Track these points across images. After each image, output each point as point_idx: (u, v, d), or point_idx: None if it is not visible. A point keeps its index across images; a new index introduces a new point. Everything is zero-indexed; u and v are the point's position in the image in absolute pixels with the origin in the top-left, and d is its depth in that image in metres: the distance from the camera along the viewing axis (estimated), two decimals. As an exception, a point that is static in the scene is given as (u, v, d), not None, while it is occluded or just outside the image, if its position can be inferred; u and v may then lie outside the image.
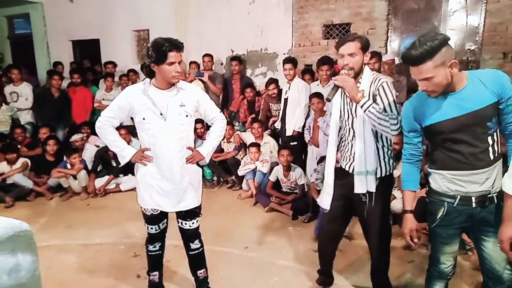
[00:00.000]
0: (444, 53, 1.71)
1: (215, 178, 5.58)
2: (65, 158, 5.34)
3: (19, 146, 5.57)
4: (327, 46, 5.95)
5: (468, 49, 5.09)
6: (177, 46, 2.26)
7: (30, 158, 5.44)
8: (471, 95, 1.80)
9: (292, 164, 4.57)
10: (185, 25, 6.97)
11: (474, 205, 1.88)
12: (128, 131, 5.34)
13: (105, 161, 5.52)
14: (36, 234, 0.98)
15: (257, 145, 5.10)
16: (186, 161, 2.47)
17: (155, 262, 2.73)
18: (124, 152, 2.51)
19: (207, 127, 4.58)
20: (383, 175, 2.37)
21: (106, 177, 5.36)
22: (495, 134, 1.85)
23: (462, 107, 1.81)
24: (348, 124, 2.41)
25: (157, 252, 2.69)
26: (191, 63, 6.37)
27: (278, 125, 5.29)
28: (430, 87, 1.78)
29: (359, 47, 2.26)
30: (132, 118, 2.54)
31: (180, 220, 2.59)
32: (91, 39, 7.93)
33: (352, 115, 2.38)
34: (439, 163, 1.94)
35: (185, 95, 2.42)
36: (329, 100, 2.34)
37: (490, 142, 1.83)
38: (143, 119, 2.38)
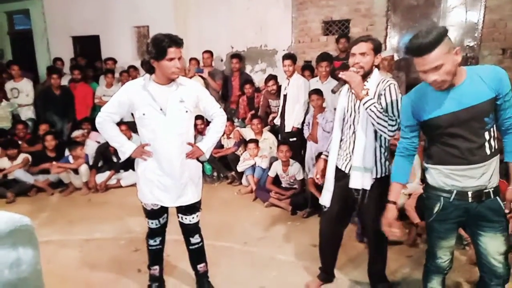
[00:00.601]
0: (448, 40, 1.74)
1: (215, 173, 5.60)
2: (67, 153, 5.36)
3: (20, 142, 5.59)
4: (326, 42, 5.95)
5: (467, 45, 5.09)
6: (177, 42, 2.27)
7: (31, 154, 5.46)
8: (470, 90, 1.81)
9: (290, 160, 4.59)
10: (185, 22, 6.96)
11: (470, 200, 1.89)
12: (129, 127, 5.34)
13: (106, 157, 5.54)
14: (37, 229, 0.99)
15: (255, 141, 5.12)
16: (186, 157, 2.49)
17: (156, 257, 2.75)
18: (124, 147, 2.52)
19: (207, 123, 4.60)
20: (378, 176, 2.39)
21: (107, 173, 5.38)
22: (492, 129, 1.86)
23: (460, 102, 1.82)
24: (350, 121, 2.44)
25: (158, 247, 2.71)
26: (191, 59, 6.36)
27: (277, 121, 5.30)
28: (440, 77, 1.76)
29: (371, 48, 2.29)
30: (132, 114, 2.55)
31: (180, 215, 2.61)
32: (91, 35, 7.91)
33: (355, 112, 2.40)
34: (436, 158, 1.96)
35: (184, 91, 2.43)
36: (334, 92, 2.37)
37: (487, 137, 1.84)
38: (143, 114, 2.39)
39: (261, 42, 6.52)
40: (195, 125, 4.95)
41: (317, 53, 5.18)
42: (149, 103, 2.37)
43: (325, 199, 2.57)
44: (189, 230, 2.66)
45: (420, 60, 1.76)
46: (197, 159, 2.58)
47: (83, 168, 5.21)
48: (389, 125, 2.22)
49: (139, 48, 7.74)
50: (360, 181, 2.38)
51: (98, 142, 5.70)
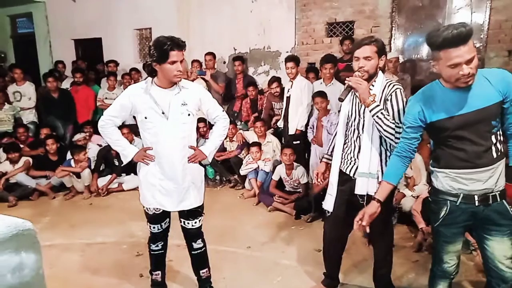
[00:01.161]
0: None
1: (217, 177, 5.56)
2: (69, 156, 5.35)
3: (21, 146, 5.58)
4: (330, 44, 5.93)
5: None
6: (179, 44, 2.25)
7: (33, 157, 5.45)
8: (478, 93, 1.79)
9: (294, 163, 4.56)
10: (187, 24, 6.95)
11: (477, 203, 1.87)
12: (130, 130, 5.33)
13: (108, 161, 5.52)
14: (39, 233, 0.97)
15: (258, 145, 5.09)
16: (188, 160, 2.46)
17: (158, 262, 2.72)
18: (126, 151, 2.51)
19: (210, 126, 4.58)
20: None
21: (109, 177, 5.36)
22: (498, 133, 1.85)
23: (469, 105, 1.80)
24: (354, 125, 2.41)
25: (160, 252, 2.68)
26: (193, 61, 6.36)
27: (280, 124, 5.27)
28: (473, 69, 1.73)
29: (375, 50, 2.26)
30: (134, 117, 2.54)
31: (182, 220, 2.58)
32: (93, 38, 7.94)
33: (359, 116, 2.37)
34: (443, 161, 1.93)
35: (187, 93, 2.41)
36: (341, 100, 2.35)
37: (494, 140, 1.83)
38: (145, 118, 2.37)
39: (264, 44, 6.50)
40: (198, 128, 4.93)
41: (321, 55, 5.16)
42: (151, 107, 2.35)
43: (328, 204, 2.54)
44: (191, 235, 2.63)
45: (455, 51, 1.71)
46: (200, 162, 2.55)
47: (86, 172, 5.20)
48: (396, 132, 2.19)
49: (141, 50, 7.75)
50: (366, 186, 2.35)
51: (100, 145, 5.69)
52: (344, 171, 2.46)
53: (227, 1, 6.59)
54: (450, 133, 1.86)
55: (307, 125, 4.86)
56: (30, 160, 5.35)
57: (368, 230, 2.13)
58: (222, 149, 5.56)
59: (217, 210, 4.41)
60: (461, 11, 5.07)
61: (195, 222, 2.58)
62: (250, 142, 5.29)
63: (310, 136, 4.79)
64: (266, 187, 4.82)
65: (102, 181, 5.32)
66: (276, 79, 5.39)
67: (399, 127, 2.18)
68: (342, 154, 2.49)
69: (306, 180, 4.53)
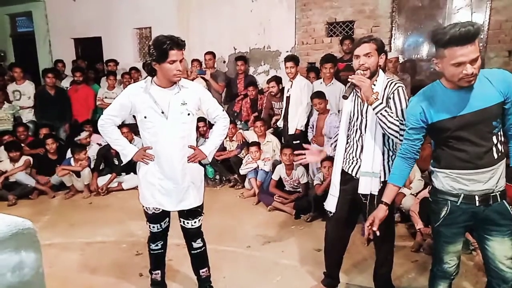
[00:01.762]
0: None
1: (217, 176, 5.56)
2: (69, 155, 5.35)
3: (22, 145, 5.57)
4: (330, 44, 5.93)
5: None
6: (179, 44, 2.25)
7: (33, 156, 5.45)
8: (479, 94, 1.79)
9: (294, 163, 4.56)
10: (187, 23, 6.95)
11: (477, 203, 1.87)
12: (130, 129, 5.33)
13: (108, 160, 5.52)
14: (38, 232, 0.97)
15: (257, 144, 5.08)
16: (188, 160, 2.46)
17: (158, 261, 2.72)
18: (126, 150, 2.51)
19: (210, 125, 4.57)
20: (386, 179, 2.35)
21: (109, 176, 5.36)
22: (499, 133, 1.85)
23: (470, 105, 1.80)
24: (356, 125, 2.40)
25: (159, 251, 2.68)
26: (193, 61, 6.35)
27: (280, 123, 5.27)
28: (476, 69, 1.72)
29: (375, 48, 2.27)
30: (134, 117, 2.53)
31: (182, 219, 2.58)
32: (93, 37, 7.93)
33: (361, 116, 2.37)
34: (443, 162, 1.93)
35: (187, 93, 2.40)
36: (346, 97, 2.36)
37: (495, 141, 1.83)
38: (145, 117, 2.36)
39: (264, 44, 6.50)
40: (197, 127, 4.92)
41: (321, 55, 5.16)
42: (151, 106, 2.34)
43: (330, 204, 2.53)
44: (191, 235, 2.62)
45: (461, 50, 1.69)
46: (200, 162, 2.55)
47: (85, 171, 5.20)
48: (400, 129, 2.18)
49: (141, 49, 7.75)
50: (369, 186, 2.35)
51: (100, 145, 5.69)
52: (346, 170, 2.46)
53: (227, 0, 6.59)
54: (450, 133, 1.85)
55: (307, 124, 4.86)
56: (31, 159, 5.35)
57: (378, 233, 2.13)
58: (222, 148, 5.56)
59: (217, 210, 4.41)
60: (461, 11, 5.07)
61: (195, 222, 2.57)
62: (250, 142, 5.29)
63: (310, 136, 4.79)
64: (266, 186, 4.82)
65: (102, 180, 5.32)
66: (274, 79, 5.39)
67: (403, 124, 2.17)
68: (344, 154, 2.48)
69: (306, 180, 4.53)
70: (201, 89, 2.62)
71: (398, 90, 2.27)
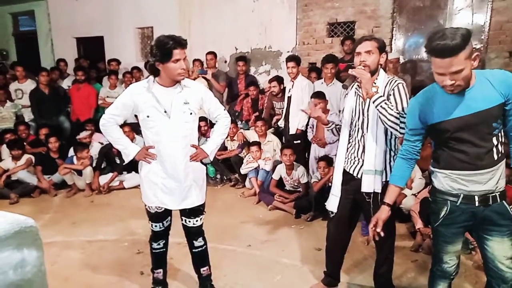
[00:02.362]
0: (470, 44, 1.70)
1: (218, 176, 5.57)
2: (71, 153, 5.37)
3: (24, 143, 5.59)
4: (331, 44, 5.93)
5: (473, 48, 5.05)
6: (181, 43, 2.26)
7: (35, 155, 5.47)
8: (479, 95, 1.78)
9: (295, 163, 4.57)
10: (189, 23, 6.96)
11: (477, 204, 1.87)
12: (132, 128, 5.34)
13: (109, 158, 5.54)
14: (40, 230, 0.98)
15: (257, 144, 5.09)
16: (190, 159, 2.47)
17: (159, 260, 2.73)
18: (128, 150, 2.51)
19: (211, 125, 4.58)
20: (388, 179, 2.36)
21: (110, 174, 5.38)
22: (499, 134, 1.84)
23: (469, 106, 1.79)
24: (358, 125, 2.41)
25: (161, 250, 2.69)
26: (194, 60, 6.36)
27: (281, 123, 5.28)
28: (458, 81, 1.72)
29: (376, 46, 2.28)
30: (136, 116, 2.54)
31: (184, 218, 2.59)
32: (95, 36, 7.95)
33: (363, 116, 2.38)
34: (443, 162, 1.93)
35: (189, 92, 2.42)
36: (346, 87, 2.37)
37: (495, 142, 1.82)
38: (147, 116, 2.37)
39: (266, 44, 6.51)
40: (199, 127, 4.94)
41: (322, 55, 5.16)
42: (153, 105, 2.35)
43: (332, 204, 2.54)
44: (193, 233, 2.64)
45: (441, 62, 1.70)
46: (201, 161, 2.56)
47: (87, 170, 5.21)
48: (401, 122, 2.19)
49: (143, 49, 7.76)
50: (372, 184, 2.36)
51: (101, 144, 5.70)
52: (348, 170, 2.47)
53: (229, 0, 6.60)
54: (450, 134, 1.85)
55: (307, 125, 4.87)
56: (33, 158, 5.37)
57: (382, 234, 2.14)
58: (223, 148, 5.57)
59: (218, 209, 4.42)
60: (462, 12, 5.07)
61: (196, 221, 2.59)
62: (250, 141, 5.30)
63: (310, 135, 4.80)
64: (267, 186, 4.83)
65: (103, 179, 5.33)
66: (276, 79, 5.40)
67: (404, 117, 2.17)
68: (346, 153, 2.49)
69: (306, 179, 4.54)
70: (203, 88, 2.64)
71: (398, 86, 2.28)
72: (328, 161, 4.23)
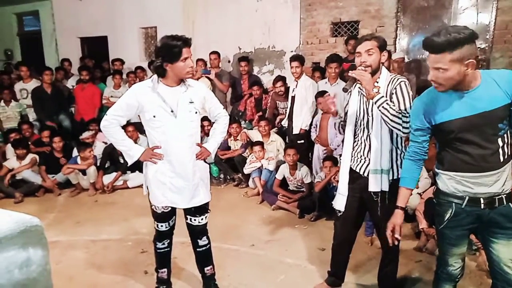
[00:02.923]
0: (465, 50, 1.67)
1: (221, 175, 5.58)
2: (75, 153, 5.39)
3: (28, 142, 5.62)
4: (335, 44, 5.92)
5: (478, 47, 5.01)
6: (187, 41, 2.30)
7: (39, 154, 5.49)
8: (484, 95, 1.76)
9: (298, 163, 4.56)
10: (192, 23, 6.97)
11: (482, 206, 1.85)
12: (136, 128, 5.35)
13: (113, 158, 5.55)
14: (44, 229, 0.98)
15: (260, 144, 5.09)
16: (196, 157, 2.49)
17: (164, 259, 2.73)
18: (132, 151, 2.50)
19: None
20: (395, 178, 2.36)
21: (114, 174, 5.39)
22: (505, 135, 1.81)
23: (474, 107, 1.77)
24: (363, 124, 2.41)
25: (166, 249, 2.69)
26: (198, 60, 6.35)
27: (285, 123, 5.27)
28: (439, 79, 1.74)
29: (376, 45, 2.28)
30: (139, 116, 2.54)
31: (189, 217, 2.60)
32: (99, 36, 7.97)
33: (367, 115, 2.38)
34: (447, 164, 1.91)
35: (193, 92, 2.44)
36: (346, 90, 2.39)
37: (501, 143, 1.80)
38: (154, 116, 2.37)
39: (269, 43, 6.50)
40: (202, 126, 4.95)
41: (326, 55, 5.15)
42: (160, 105, 2.36)
43: (339, 203, 2.53)
44: (197, 232, 2.64)
45: (431, 56, 1.75)
46: (204, 160, 2.58)
47: (91, 169, 5.23)
48: (403, 121, 2.19)
49: (147, 49, 7.78)
50: (379, 183, 2.36)
51: (105, 143, 5.71)
52: (354, 169, 2.47)
53: (232, 0, 6.59)
54: (454, 135, 1.83)
55: (311, 124, 4.86)
56: (37, 157, 5.39)
57: (400, 238, 2.14)
58: (227, 147, 5.57)
59: (221, 208, 4.42)
60: (466, 11, 5.03)
61: (202, 219, 2.60)
62: (254, 141, 5.30)
63: (313, 135, 4.79)
64: (270, 185, 4.83)
65: (107, 179, 5.35)
66: (281, 78, 5.40)
67: (406, 116, 2.17)
68: (352, 152, 2.49)
69: (309, 179, 4.53)
70: (205, 87, 2.69)
71: (400, 84, 2.28)
72: (333, 160, 4.23)
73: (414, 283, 2.91)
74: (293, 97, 4.98)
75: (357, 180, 2.45)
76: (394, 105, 2.23)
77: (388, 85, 2.31)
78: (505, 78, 1.78)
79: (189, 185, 2.46)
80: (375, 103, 2.24)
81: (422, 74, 5.34)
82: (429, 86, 2.00)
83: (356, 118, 2.45)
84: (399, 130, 2.23)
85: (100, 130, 5.59)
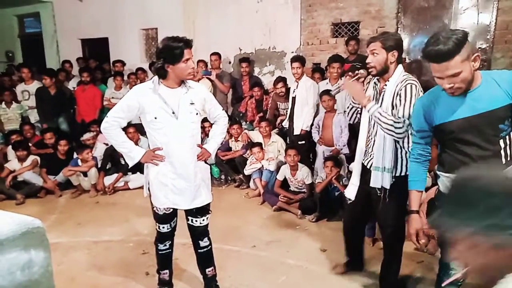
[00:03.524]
0: (468, 47, 1.68)
1: (222, 176, 5.58)
2: (75, 155, 5.39)
3: (29, 144, 5.63)
4: (335, 45, 5.92)
5: (479, 47, 5.01)
6: (188, 43, 2.30)
7: (41, 156, 5.49)
8: (485, 95, 1.75)
9: (299, 164, 4.56)
10: (193, 24, 6.97)
11: None
12: (137, 129, 5.36)
13: (114, 159, 5.55)
14: (46, 231, 0.98)
15: (259, 145, 5.08)
16: (198, 158, 2.50)
17: (166, 261, 2.73)
18: (133, 153, 2.49)
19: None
20: (398, 174, 2.38)
21: (115, 175, 5.39)
22: (507, 137, 1.79)
23: (474, 107, 1.76)
24: (372, 120, 2.45)
25: (168, 251, 2.69)
26: (198, 61, 6.35)
27: (286, 124, 5.27)
28: (457, 84, 1.71)
29: (380, 46, 2.30)
30: (139, 118, 2.54)
31: (190, 218, 2.60)
32: (100, 37, 7.98)
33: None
34: (447, 165, 1.91)
35: (194, 93, 2.45)
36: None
37: (502, 145, 1.78)
38: (155, 118, 2.37)
39: (270, 44, 6.50)
40: (203, 127, 4.94)
41: (326, 56, 5.16)
42: (161, 107, 2.36)
43: (350, 191, 2.65)
44: (198, 233, 2.64)
45: (437, 66, 1.70)
46: (205, 161, 2.59)
47: (92, 170, 5.23)
48: (395, 128, 2.23)
49: (148, 50, 7.79)
50: (379, 180, 2.40)
51: (106, 144, 5.71)
52: (364, 163, 2.54)
53: (233, 1, 6.60)
54: (454, 136, 1.83)
55: (312, 125, 4.86)
56: (38, 158, 5.39)
57: (423, 241, 2.19)
58: (228, 148, 5.58)
59: (222, 209, 4.41)
60: (467, 11, 5.03)
61: (203, 220, 2.60)
62: (255, 142, 5.30)
63: (315, 136, 4.79)
64: (271, 186, 4.83)
65: (109, 180, 5.35)
66: (282, 79, 5.40)
67: (399, 122, 2.20)
68: (365, 146, 2.55)
69: (310, 180, 4.53)
70: (205, 89, 2.70)
71: (406, 86, 2.28)
72: (335, 161, 4.23)
73: (416, 283, 2.90)
74: (293, 98, 4.98)
75: (366, 174, 2.52)
76: (384, 111, 2.27)
77: (397, 84, 2.32)
78: (506, 78, 1.77)
79: (191, 186, 2.46)
80: (368, 111, 2.30)
81: (423, 74, 5.34)
82: (430, 87, 2.00)
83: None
84: (393, 135, 2.26)
85: (101, 132, 5.69)
